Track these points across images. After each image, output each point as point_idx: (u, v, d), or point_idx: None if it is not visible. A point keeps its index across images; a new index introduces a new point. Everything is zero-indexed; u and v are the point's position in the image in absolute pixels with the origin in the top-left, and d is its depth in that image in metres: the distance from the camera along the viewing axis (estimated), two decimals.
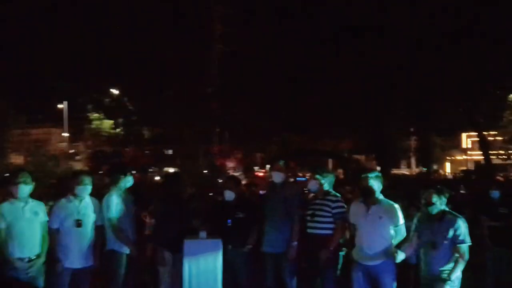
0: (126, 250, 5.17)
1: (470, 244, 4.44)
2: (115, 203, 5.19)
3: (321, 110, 23.71)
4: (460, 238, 4.39)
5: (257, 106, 25.68)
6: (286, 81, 22.91)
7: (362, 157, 30.63)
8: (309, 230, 5.13)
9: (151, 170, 20.59)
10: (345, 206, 5.15)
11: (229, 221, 5.44)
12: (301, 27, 21.11)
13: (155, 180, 11.99)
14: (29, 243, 4.60)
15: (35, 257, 4.62)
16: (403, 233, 4.76)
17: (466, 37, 17.32)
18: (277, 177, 5.44)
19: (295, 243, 5.17)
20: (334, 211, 5.06)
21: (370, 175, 4.85)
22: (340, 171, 25.33)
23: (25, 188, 4.64)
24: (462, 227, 4.41)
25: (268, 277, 5.45)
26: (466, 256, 4.41)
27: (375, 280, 4.76)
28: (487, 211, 6.42)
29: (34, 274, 4.59)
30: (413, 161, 34.44)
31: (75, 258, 4.87)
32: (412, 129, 25.95)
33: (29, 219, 4.63)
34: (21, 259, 4.53)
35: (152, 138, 27.42)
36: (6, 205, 4.65)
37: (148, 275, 6.71)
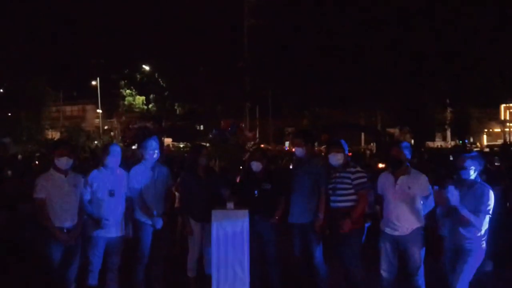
0: (149, 221, 5.28)
1: (490, 215, 4.35)
2: (139, 174, 5.29)
3: (354, 83, 23.33)
4: (482, 207, 4.30)
5: (288, 81, 25.49)
6: (317, 54, 22.58)
7: (396, 131, 30.09)
8: (332, 204, 5.10)
9: (182, 145, 20.85)
10: (366, 176, 5.08)
11: (256, 192, 5.47)
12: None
13: (186, 155, 12.17)
14: (67, 214, 4.76)
15: (72, 228, 4.78)
16: (431, 203, 4.69)
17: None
18: (299, 152, 5.41)
19: (321, 214, 5.16)
20: (354, 182, 5.00)
21: (399, 146, 4.78)
22: (373, 144, 25.02)
23: (68, 161, 4.80)
24: (488, 197, 4.32)
25: (295, 247, 5.48)
26: (481, 227, 4.33)
27: (403, 251, 4.73)
28: None
29: (72, 244, 4.78)
30: (448, 133, 33.60)
31: (109, 227, 5.02)
32: (448, 101, 25.20)
33: (68, 191, 4.80)
34: (61, 229, 4.70)
35: (184, 114, 27.69)
36: (46, 176, 4.83)
37: (179, 247, 6.90)
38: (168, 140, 27.78)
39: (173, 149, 14.44)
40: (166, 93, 27.34)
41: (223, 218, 5.03)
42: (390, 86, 22.10)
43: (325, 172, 5.23)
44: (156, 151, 5.39)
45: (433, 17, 17.68)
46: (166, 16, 24.50)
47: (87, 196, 5.03)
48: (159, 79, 27.24)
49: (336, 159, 5.08)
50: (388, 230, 4.79)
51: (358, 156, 10.90)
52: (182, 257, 5.84)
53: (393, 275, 4.84)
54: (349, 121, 30.16)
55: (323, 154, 8.68)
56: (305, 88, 24.97)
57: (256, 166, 5.46)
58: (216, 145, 12.47)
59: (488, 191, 4.35)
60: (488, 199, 4.31)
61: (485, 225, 4.39)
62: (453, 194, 4.26)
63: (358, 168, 5.17)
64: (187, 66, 25.73)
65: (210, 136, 12.67)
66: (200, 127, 29.09)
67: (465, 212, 4.27)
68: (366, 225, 5.17)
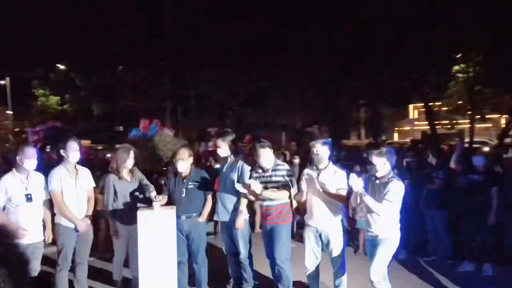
0: (71, 224, 5.11)
1: (392, 204, 4.50)
2: (59, 176, 5.10)
3: (275, 84, 23.93)
4: (387, 196, 4.49)
5: (211, 81, 25.51)
6: (242, 54, 22.89)
7: (314, 129, 31.17)
8: (262, 202, 5.22)
9: (100, 147, 20.12)
10: (291, 173, 5.24)
11: (183, 191, 5.47)
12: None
13: (106, 156, 11.75)
14: None
15: None
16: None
17: (414, 12, 17.80)
18: (220, 152, 5.50)
19: (243, 212, 5.26)
20: (278, 179, 5.13)
21: (317, 142, 4.99)
22: (293, 143, 25.74)
23: None
24: (395, 188, 4.51)
25: (224, 244, 5.55)
26: (383, 213, 4.50)
27: (325, 243, 4.96)
28: (427, 176, 6.84)
29: None
30: (363, 132, 35.43)
31: (27, 233, 4.78)
32: (362, 101, 26.59)
33: None
34: None
35: (102, 114, 26.69)
36: None
37: (103, 251, 6.70)
38: (86, 142, 26.60)
39: (91, 151, 13.87)
40: (82, 93, 26.18)
41: (149, 219, 4.97)
42: (309, 88, 22.96)
43: (246, 171, 5.32)
44: (76, 153, 5.21)
45: (349, 18, 18.52)
46: (84, 12, 23.46)
47: (0, 203, 4.76)
48: (75, 79, 26.02)
49: (262, 158, 5.21)
50: (311, 223, 5.00)
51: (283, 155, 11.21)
52: (108, 261, 5.70)
53: (316, 266, 5.06)
54: (270, 121, 30.78)
55: (246, 153, 8.84)
56: (227, 88, 25.17)
57: (182, 166, 5.46)
58: (139, 146, 12.18)
59: (396, 183, 4.55)
60: (394, 190, 4.49)
61: (394, 215, 4.59)
62: (355, 182, 4.43)
63: (285, 166, 5.32)
64: (105, 64, 24.83)
65: (130, 137, 12.28)
66: (119, 128, 28.21)
67: (367, 199, 4.46)
68: (296, 219, 5.34)
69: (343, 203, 4.87)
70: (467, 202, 6.22)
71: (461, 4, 17.00)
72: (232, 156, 5.48)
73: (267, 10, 20.99)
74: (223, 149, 5.46)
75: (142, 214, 4.98)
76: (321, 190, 4.87)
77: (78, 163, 5.32)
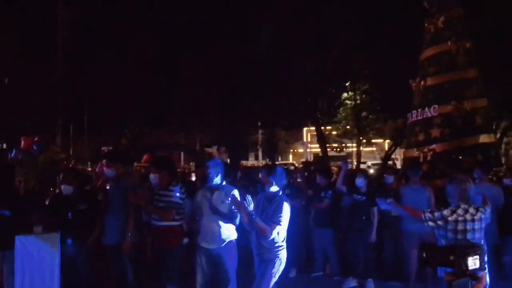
0: None
1: (280, 225, 4.59)
2: None
3: (176, 104, 23.80)
4: (274, 218, 4.60)
5: (107, 97, 24.64)
6: (142, 71, 22.51)
7: (213, 150, 31.28)
8: (153, 223, 5.11)
9: None
10: (176, 195, 5.09)
11: (70, 214, 5.19)
12: (156, 18, 20.97)
13: None
14: None
15: None
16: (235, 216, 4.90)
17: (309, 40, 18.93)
18: (108, 173, 5.37)
19: (129, 234, 5.11)
20: (170, 199, 5.07)
21: (209, 163, 5.04)
22: (192, 163, 25.63)
23: None
24: (281, 209, 4.61)
25: (111, 268, 5.33)
26: (271, 236, 4.58)
27: (216, 264, 4.95)
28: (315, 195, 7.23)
29: None
30: (260, 153, 36.33)
31: None
32: (259, 123, 27.38)
33: None
34: None
35: None
36: None
37: None
38: None
39: None
40: None
41: (29, 244, 4.62)
42: (208, 109, 23.18)
43: (135, 192, 5.17)
44: None
45: (251, 41, 19.12)
46: None
47: None
48: None
49: (153, 178, 5.13)
50: (203, 244, 4.96)
51: (182, 175, 11.12)
52: None
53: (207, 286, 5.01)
54: (169, 141, 30.44)
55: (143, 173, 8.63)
56: (124, 106, 24.50)
57: (67, 189, 5.20)
58: (23, 164, 11.29)
59: (283, 203, 4.66)
60: (281, 211, 4.61)
61: (281, 235, 4.70)
62: (247, 203, 4.52)
63: (176, 187, 5.18)
64: None
65: (10, 156, 11.32)
66: (2, 145, 25.97)
67: (258, 221, 4.54)
68: (184, 242, 5.26)
69: (232, 223, 4.91)
70: (351, 221, 6.64)
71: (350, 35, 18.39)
72: (119, 176, 5.31)
73: (165, 28, 20.97)
74: (109, 170, 5.30)
75: (21, 239, 4.62)
76: (213, 210, 4.88)
77: None
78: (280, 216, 4.60)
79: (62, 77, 23.64)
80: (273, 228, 4.57)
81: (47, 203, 5.98)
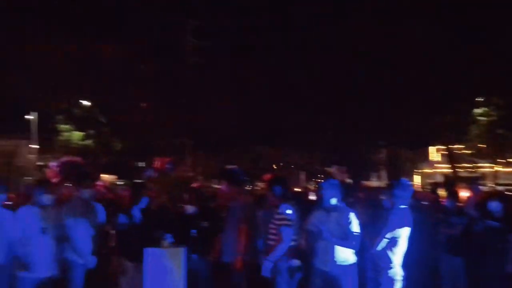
0: (81, 260, 5.11)
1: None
2: (71, 211, 5.15)
3: (294, 124, 24.13)
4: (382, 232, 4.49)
5: (229, 118, 25.86)
6: (260, 94, 23.28)
7: (334, 170, 30.95)
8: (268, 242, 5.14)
9: (121, 182, 20.31)
10: (287, 217, 5.02)
11: (194, 231, 5.47)
12: (272, 39, 21.60)
13: (122, 192, 11.82)
14: None
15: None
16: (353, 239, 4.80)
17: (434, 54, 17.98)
18: (226, 191, 5.52)
19: (240, 253, 5.16)
20: (277, 222, 5.04)
21: (323, 183, 4.96)
22: (312, 183, 25.63)
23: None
24: (394, 224, 4.44)
25: (230, 284, 5.48)
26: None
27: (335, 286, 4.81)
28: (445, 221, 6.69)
29: None
30: (384, 173, 34.98)
31: (38, 267, 4.81)
32: (382, 143, 26.48)
33: None
34: None
35: (123, 150, 27.08)
36: None
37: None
38: (111, 177, 27.02)
39: (104, 190, 13.66)
40: (105, 129, 26.71)
41: (157, 257, 4.95)
42: (328, 129, 23.05)
43: (247, 211, 5.25)
44: (90, 189, 5.30)
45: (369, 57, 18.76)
46: (106, 51, 24.33)
47: (17, 234, 4.81)
48: (98, 115, 26.66)
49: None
50: (320, 266, 4.88)
51: (299, 194, 11.14)
52: None
53: None
54: (289, 160, 30.83)
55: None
56: (245, 127, 25.46)
57: (189, 209, 5.51)
58: (156, 182, 12.25)
59: (396, 219, 4.45)
60: (392, 227, 4.43)
61: (397, 257, 4.51)
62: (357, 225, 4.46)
63: (287, 206, 5.09)
64: (128, 102, 25.44)
65: (146, 174, 12.38)
66: (140, 164, 28.51)
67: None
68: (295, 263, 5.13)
69: (349, 245, 4.76)
70: (484, 249, 6.04)
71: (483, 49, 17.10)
72: (234, 195, 5.48)
73: (280, 51, 21.47)
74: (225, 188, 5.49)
75: (150, 252, 4.97)
76: (329, 232, 4.78)
77: (92, 198, 5.40)
78: (389, 232, 4.42)
79: (186, 102, 25.41)
80: (378, 242, 4.43)
81: (174, 219, 6.38)
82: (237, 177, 5.53)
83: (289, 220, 4.96)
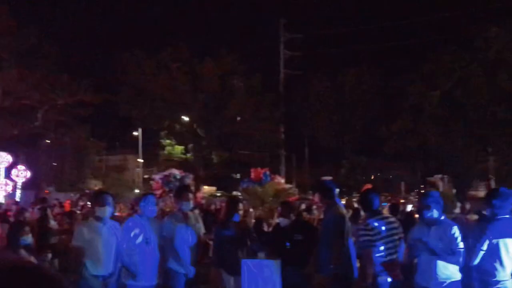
0: (182, 269, 5.31)
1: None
2: (172, 223, 5.38)
3: (392, 134, 23.32)
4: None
5: (324, 131, 25.65)
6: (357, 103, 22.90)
7: (437, 180, 29.29)
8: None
9: (218, 194, 20.98)
10: (367, 232, 4.82)
11: (288, 243, 5.47)
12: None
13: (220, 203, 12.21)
14: (104, 263, 4.82)
15: (108, 276, 4.85)
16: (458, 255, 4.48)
17: None
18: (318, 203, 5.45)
19: (331, 266, 5.03)
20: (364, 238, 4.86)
21: (424, 195, 4.72)
22: (413, 194, 24.47)
23: (110, 210, 4.97)
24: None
25: None
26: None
27: None
28: None
29: None
30: (493, 183, 32.36)
31: (143, 276, 5.04)
32: (489, 150, 24.56)
33: (106, 239, 4.86)
34: (96, 277, 4.76)
35: (220, 162, 28.02)
36: (86, 224, 4.99)
37: None
38: (211, 189, 28.17)
39: (203, 201, 14.22)
40: (203, 143, 27.86)
41: (254, 268, 5.02)
42: (428, 137, 21.92)
43: (337, 223, 5.08)
44: (188, 202, 5.50)
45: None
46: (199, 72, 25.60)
47: (124, 244, 5.13)
48: (197, 130, 27.89)
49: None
50: (421, 283, 4.62)
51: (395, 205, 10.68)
52: None
53: None
54: (387, 170, 29.73)
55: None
56: (341, 137, 25.11)
57: (282, 221, 5.51)
58: (251, 193, 12.50)
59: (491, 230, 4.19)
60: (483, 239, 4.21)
61: (507, 271, 4.21)
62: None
63: (373, 221, 4.88)
64: (224, 116, 26.38)
65: (242, 185, 12.72)
66: (237, 175, 29.27)
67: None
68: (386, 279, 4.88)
69: (453, 261, 4.44)
70: None
71: None
72: (325, 208, 5.38)
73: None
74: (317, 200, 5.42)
75: (247, 263, 5.04)
76: (430, 247, 4.51)
77: (192, 210, 5.61)
78: (486, 243, 4.15)
79: (284, 114, 25.69)
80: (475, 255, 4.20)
81: (270, 231, 6.45)
82: (330, 189, 5.42)
83: (373, 235, 4.79)
